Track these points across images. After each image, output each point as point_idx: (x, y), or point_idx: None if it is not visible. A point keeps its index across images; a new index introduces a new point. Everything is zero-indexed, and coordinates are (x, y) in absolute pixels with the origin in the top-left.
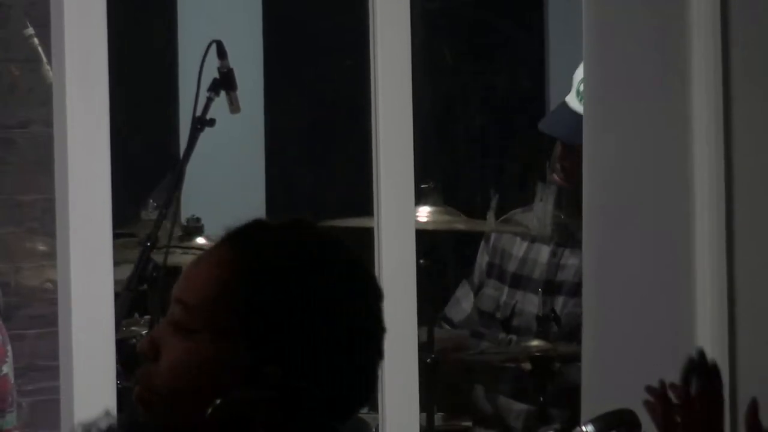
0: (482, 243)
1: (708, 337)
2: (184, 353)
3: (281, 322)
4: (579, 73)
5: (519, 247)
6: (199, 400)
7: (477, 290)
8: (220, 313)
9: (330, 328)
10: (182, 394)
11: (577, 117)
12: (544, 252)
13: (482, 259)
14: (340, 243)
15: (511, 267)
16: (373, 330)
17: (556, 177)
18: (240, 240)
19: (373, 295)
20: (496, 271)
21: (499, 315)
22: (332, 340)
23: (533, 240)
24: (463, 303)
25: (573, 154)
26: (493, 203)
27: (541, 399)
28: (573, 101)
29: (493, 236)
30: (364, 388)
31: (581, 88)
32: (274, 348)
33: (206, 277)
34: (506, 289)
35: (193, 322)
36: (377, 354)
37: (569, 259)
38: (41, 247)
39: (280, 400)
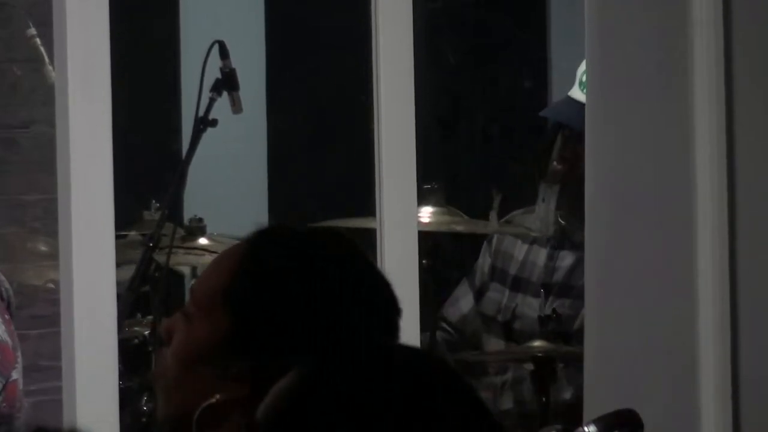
0: (485, 244)
1: (710, 336)
2: (183, 339)
3: (276, 323)
4: (582, 66)
5: (520, 250)
6: (194, 391)
7: (477, 292)
8: (219, 306)
9: (328, 334)
10: (180, 381)
11: (580, 106)
12: (541, 254)
13: (484, 260)
14: (359, 254)
15: (513, 270)
16: (379, 339)
17: (557, 166)
18: (257, 239)
19: (385, 305)
20: (498, 274)
21: (500, 318)
22: (329, 347)
23: (533, 242)
24: (461, 302)
25: (573, 145)
26: (496, 203)
27: (544, 399)
28: (576, 93)
29: (495, 238)
30: (368, 394)
31: (584, 78)
32: (265, 348)
33: (216, 271)
34: (507, 292)
35: (195, 310)
36: (387, 364)
37: (564, 261)
38: (43, 248)
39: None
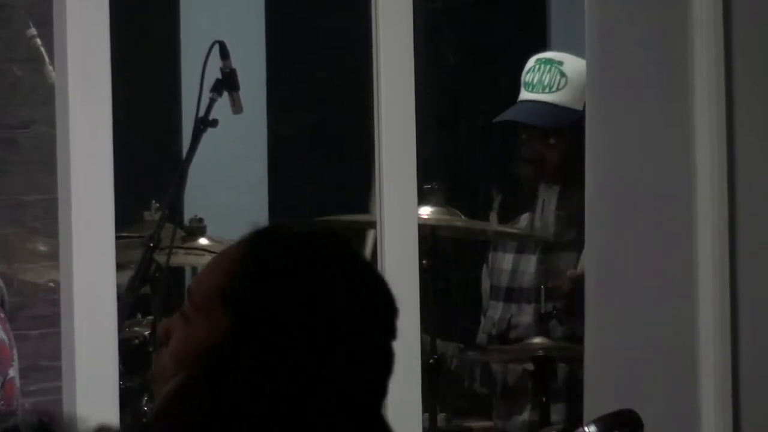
0: (483, 267)
1: (710, 336)
2: (182, 339)
3: (276, 323)
4: (525, 67)
5: (508, 261)
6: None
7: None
8: (218, 306)
9: (328, 335)
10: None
11: (529, 104)
12: (531, 261)
13: (486, 283)
14: (358, 254)
15: (503, 282)
16: (378, 340)
17: (524, 170)
18: (256, 239)
19: (384, 306)
20: (494, 292)
21: (494, 332)
22: (329, 347)
23: (519, 250)
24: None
25: (533, 146)
26: (496, 204)
27: (544, 399)
28: (525, 95)
29: (490, 258)
30: (367, 394)
31: (527, 78)
32: (265, 348)
33: (215, 271)
34: (501, 305)
35: (194, 310)
36: (385, 365)
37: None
38: (43, 248)
39: (269, 400)
